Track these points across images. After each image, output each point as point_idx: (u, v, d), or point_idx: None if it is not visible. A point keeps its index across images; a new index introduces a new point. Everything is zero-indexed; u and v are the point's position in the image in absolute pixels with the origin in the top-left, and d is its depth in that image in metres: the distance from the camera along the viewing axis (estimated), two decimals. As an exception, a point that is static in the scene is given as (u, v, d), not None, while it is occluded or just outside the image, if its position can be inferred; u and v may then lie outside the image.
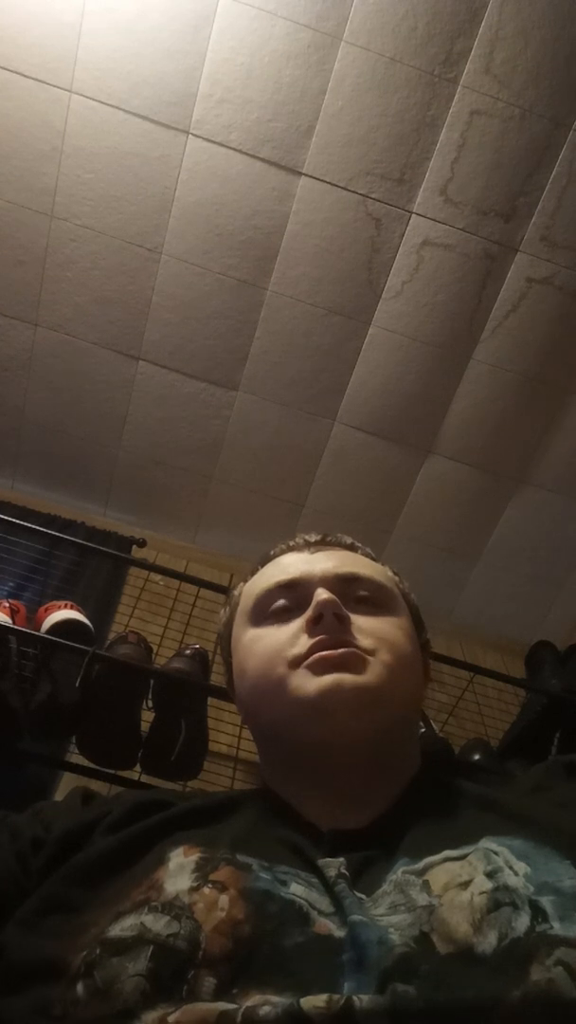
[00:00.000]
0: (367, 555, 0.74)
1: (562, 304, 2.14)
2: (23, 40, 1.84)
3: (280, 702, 0.59)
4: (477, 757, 1.72)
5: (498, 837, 0.50)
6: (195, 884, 0.47)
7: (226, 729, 1.55)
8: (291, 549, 0.73)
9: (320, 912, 0.46)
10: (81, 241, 2.10)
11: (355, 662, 0.58)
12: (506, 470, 2.43)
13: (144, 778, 1.46)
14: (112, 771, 1.46)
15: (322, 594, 0.62)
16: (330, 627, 0.60)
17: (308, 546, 0.72)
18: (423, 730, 1.62)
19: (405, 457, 2.42)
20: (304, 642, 0.60)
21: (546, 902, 0.43)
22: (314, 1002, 0.38)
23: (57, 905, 0.51)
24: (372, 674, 0.58)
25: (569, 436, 2.35)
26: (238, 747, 1.64)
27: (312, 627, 0.61)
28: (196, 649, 1.57)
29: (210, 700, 1.51)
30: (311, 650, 0.59)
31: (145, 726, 1.46)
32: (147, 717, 1.46)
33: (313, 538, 0.73)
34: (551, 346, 2.21)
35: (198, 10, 1.80)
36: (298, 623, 0.62)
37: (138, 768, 1.45)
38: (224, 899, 0.46)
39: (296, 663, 0.59)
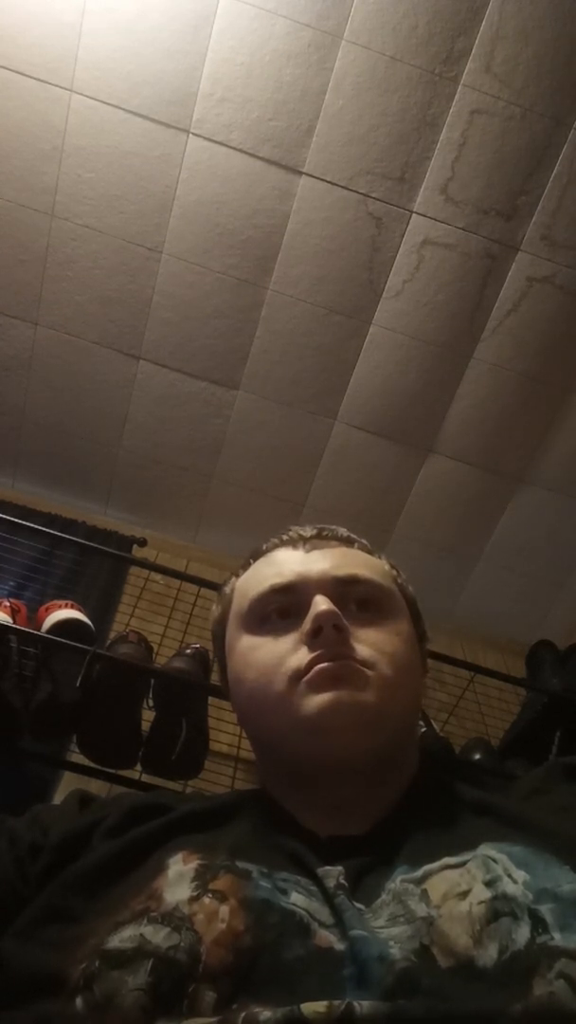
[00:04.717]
0: (364, 548, 0.71)
1: (563, 303, 2.14)
2: (23, 40, 1.84)
3: (279, 718, 0.58)
4: (478, 756, 1.72)
5: (497, 844, 0.49)
6: (195, 894, 0.47)
7: (227, 728, 1.55)
8: (284, 544, 0.69)
9: (321, 924, 0.45)
10: (82, 240, 2.10)
11: (354, 676, 0.57)
12: (507, 469, 2.43)
13: (145, 777, 1.46)
14: (113, 770, 1.46)
15: (320, 604, 0.59)
16: (329, 640, 0.58)
17: (303, 542, 0.68)
18: (424, 729, 1.62)
19: (406, 456, 2.42)
20: (303, 655, 0.58)
21: (545, 910, 0.43)
22: (315, 1007, 0.38)
23: (56, 915, 0.50)
24: (371, 691, 0.57)
25: (570, 436, 2.35)
26: (239, 746, 1.64)
27: (311, 640, 0.59)
28: (196, 648, 1.57)
29: (211, 699, 1.51)
30: (310, 664, 0.57)
31: (145, 725, 1.46)
32: (148, 716, 1.46)
33: (308, 532, 0.69)
34: (552, 345, 2.21)
35: (198, 9, 1.80)
36: (296, 634, 0.60)
37: (139, 767, 1.45)
38: (224, 910, 0.45)
39: (295, 678, 0.58)
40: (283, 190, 2.01)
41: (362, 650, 0.59)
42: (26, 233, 2.10)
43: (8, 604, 1.52)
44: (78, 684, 1.35)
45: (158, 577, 2.02)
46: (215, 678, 1.50)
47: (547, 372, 2.25)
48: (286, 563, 0.66)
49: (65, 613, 1.53)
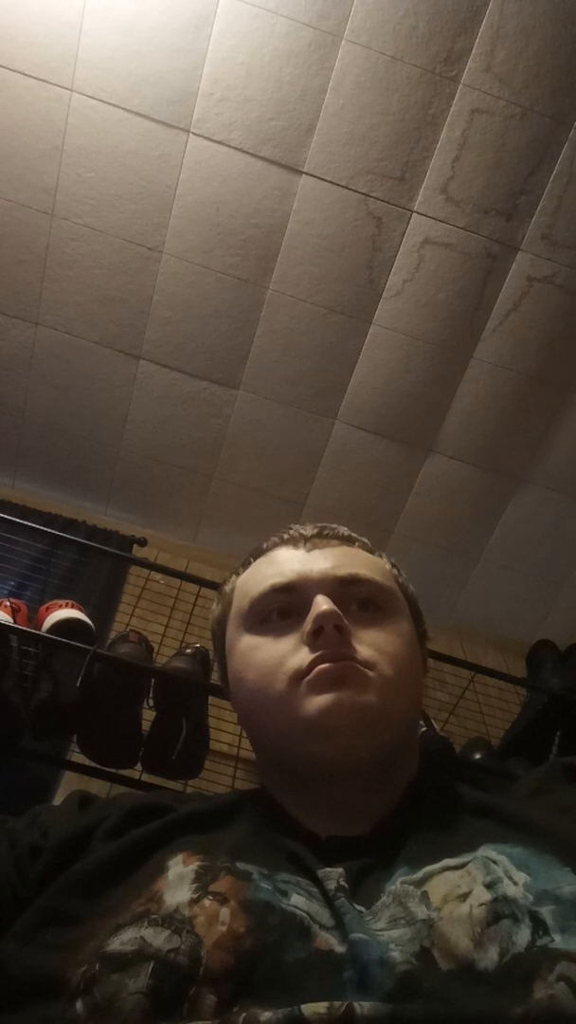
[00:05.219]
0: (364, 547, 0.71)
1: (563, 303, 2.14)
2: (24, 39, 1.84)
3: (280, 719, 0.58)
4: (478, 756, 1.72)
5: (497, 845, 0.49)
6: (195, 896, 0.46)
7: (227, 728, 1.55)
8: (285, 543, 0.69)
9: (321, 926, 0.45)
10: (82, 240, 2.10)
11: (355, 677, 0.57)
12: (507, 469, 2.43)
13: (145, 777, 1.46)
14: (113, 770, 1.46)
15: (322, 604, 0.59)
16: (330, 641, 0.58)
17: (304, 541, 0.68)
18: (424, 729, 1.62)
19: (406, 456, 2.42)
20: (304, 655, 0.58)
21: (546, 912, 0.42)
22: (315, 1008, 0.38)
23: (56, 917, 0.50)
24: (373, 691, 0.56)
25: (570, 435, 2.35)
26: (239, 746, 1.64)
27: (312, 640, 0.58)
28: (197, 648, 1.57)
29: (211, 699, 1.51)
30: (311, 665, 0.57)
31: (146, 725, 1.46)
32: (148, 716, 1.46)
33: (309, 531, 0.69)
34: (552, 345, 2.21)
35: (198, 9, 1.80)
36: (297, 634, 0.60)
37: (139, 767, 1.45)
38: (225, 912, 0.45)
39: (296, 679, 0.58)
40: (283, 190, 2.01)
41: (363, 650, 0.59)
42: (26, 233, 2.10)
43: (8, 604, 1.52)
44: (78, 684, 1.35)
45: (158, 577, 2.03)
46: (215, 678, 1.50)
47: (547, 371, 2.25)
48: (287, 562, 0.66)
49: (65, 613, 1.53)
